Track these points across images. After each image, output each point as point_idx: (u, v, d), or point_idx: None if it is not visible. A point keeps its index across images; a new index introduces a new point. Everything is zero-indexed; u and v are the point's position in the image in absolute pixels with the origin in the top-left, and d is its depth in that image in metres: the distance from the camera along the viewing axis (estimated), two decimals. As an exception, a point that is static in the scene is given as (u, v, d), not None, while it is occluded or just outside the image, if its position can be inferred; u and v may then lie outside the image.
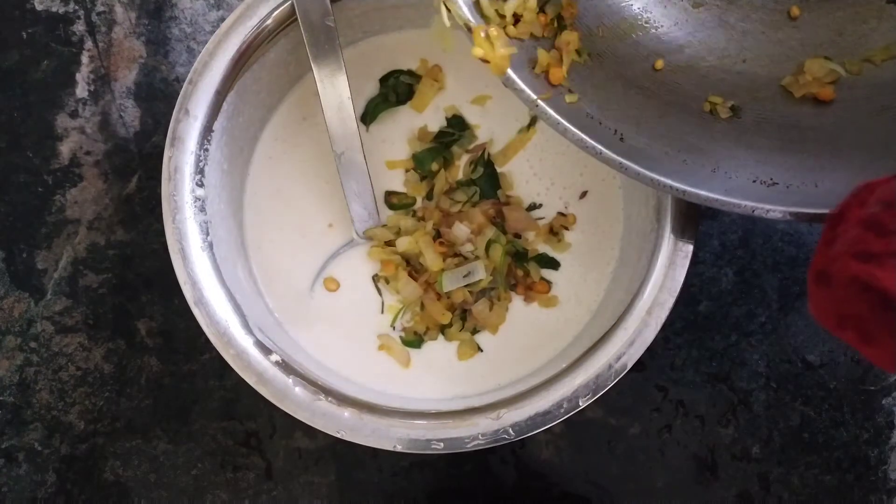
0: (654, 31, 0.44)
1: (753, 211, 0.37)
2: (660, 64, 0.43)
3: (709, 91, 0.43)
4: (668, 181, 0.37)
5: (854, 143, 0.40)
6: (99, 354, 0.51)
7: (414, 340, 0.47)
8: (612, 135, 0.39)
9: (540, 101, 0.38)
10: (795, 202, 0.37)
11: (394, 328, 0.48)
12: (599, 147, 0.38)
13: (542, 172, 0.49)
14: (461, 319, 0.47)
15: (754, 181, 0.39)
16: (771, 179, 0.39)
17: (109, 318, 0.51)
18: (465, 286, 0.47)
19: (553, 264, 0.48)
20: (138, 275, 0.51)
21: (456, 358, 0.47)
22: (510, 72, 0.38)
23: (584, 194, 0.48)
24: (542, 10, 0.41)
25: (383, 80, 0.49)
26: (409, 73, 0.49)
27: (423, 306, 0.47)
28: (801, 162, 0.40)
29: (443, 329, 0.48)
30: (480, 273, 0.46)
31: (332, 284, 0.48)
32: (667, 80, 0.43)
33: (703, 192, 0.37)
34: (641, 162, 0.38)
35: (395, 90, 0.49)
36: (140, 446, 0.51)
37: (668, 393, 0.51)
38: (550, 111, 0.38)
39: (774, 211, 0.37)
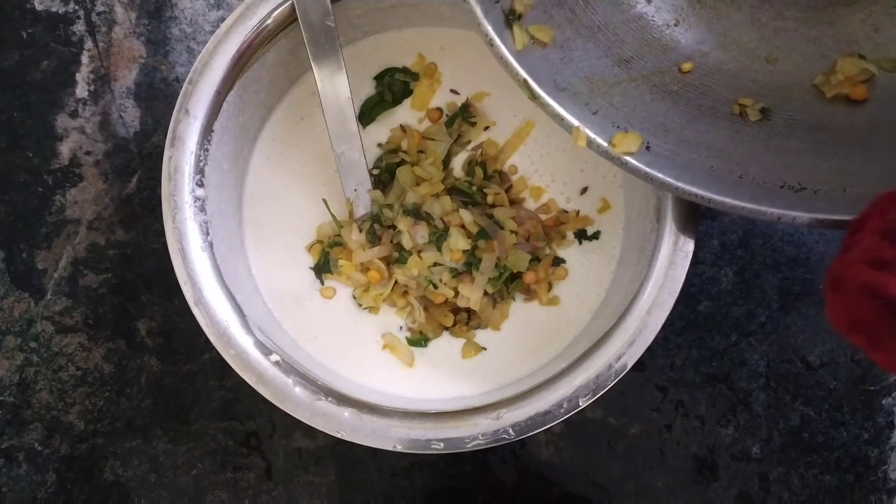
0: (684, 32, 0.43)
1: (780, 218, 0.36)
2: (688, 66, 0.42)
3: (739, 93, 0.42)
4: (694, 189, 0.37)
5: (886, 144, 0.39)
6: (99, 354, 0.51)
7: (420, 340, 0.47)
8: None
9: (566, 114, 0.38)
10: (822, 208, 0.37)
11: (401, 329, 0.48)
12: (625, 158, 0.38)
13: (542, 169, 0.49)
14: (465, 316, 0.47)
15: (782, 186, 0.38)
16: (799, 184, 0.38)
17: (109, 318, 0.51)
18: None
19: (558, 262, 0.48)
20: (138, 275, 0.51)
21: (458, 357, 0.47)
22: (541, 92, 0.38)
23: (584, 190, 0.48)
24: None
25: (378, 78, 0.49)
26: (405, 70, 0.49)
27: (426, 309, 0.47)
28: (830, 165, 0.39)
29: (447, 326, 0.48)
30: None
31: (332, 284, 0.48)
32: (696, 83, 0.42)
33: (728, 200, 0.37)
34: (667, 171, 0.38)
35: (391, 88, 0.49)
36: (140, 446, 0.51)
37: (668, 393, 0.51)
38: (576, 123, 0.38)
39: (801, 218, 0.36)
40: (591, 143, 0.38)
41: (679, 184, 0.37)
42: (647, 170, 0.38)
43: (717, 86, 0.42)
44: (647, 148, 0.39)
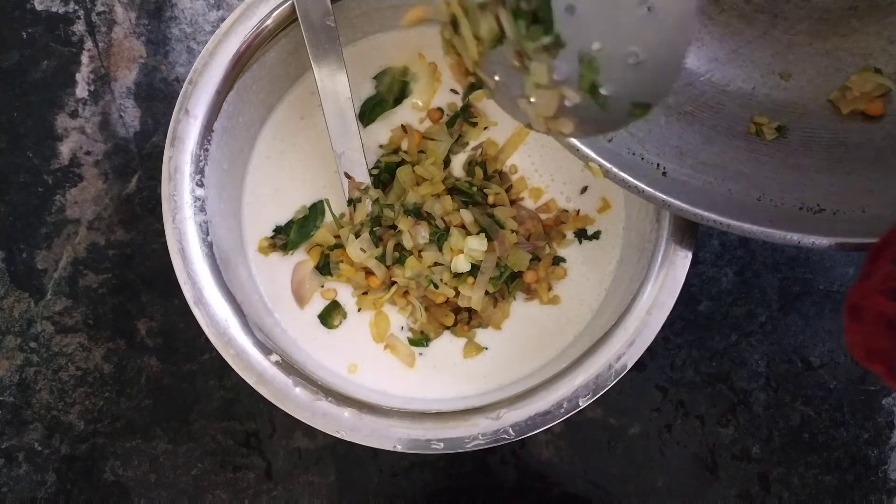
0: (696, 50, 0.42)
1: (799, 242, 0.36)
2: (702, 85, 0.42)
3: (753, 111, 0.41)
4: (713, 216, 0.37)
5: None
6: (99, 354, 0.51)
7: (421, 339, 0.47)
8: (655, 169, 0.38)
9: (580, 145, 0.37)
10: (842, 231, 0.36)
11: (402, 328, 0.48)
12: (642, 186, 0.37)
13: (542, 168, 0.49)
14: (466, 316, 0.47)
15: (800, 208, 0.38)
16: (818, 206, 0.38)
17: (109, 318, 0.51)
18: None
19: (558, 262, 0.48)
20: (138, 275, 0.51)
21: (459, 357, 0.47)
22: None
23: (584, 190, 0.48)
24: None
25: (378, 78, 0.49)
26: (405, 70, 0.49)
27: (427, 309, 0.47)
28: (848, 184, 0.39)
29: (448, 326, 0.48)
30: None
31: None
32: (710, 103, 0.42)
33: (747, 225, 0.36)
34: (684, 197, 0.37)
35: (391, 88, 0.49)
36: (140, 446, 0.51)
37: (668, 393, 0.51)
38: (591, 153, 0.37)
39: (821, 242, 0.36)
40: (608, 173, 0.38)
41: (697, 210, 0.37)
42: (665, 197, 0.37)
43: (732, 104, 0.42)
44: (664, 174, 0.38)
